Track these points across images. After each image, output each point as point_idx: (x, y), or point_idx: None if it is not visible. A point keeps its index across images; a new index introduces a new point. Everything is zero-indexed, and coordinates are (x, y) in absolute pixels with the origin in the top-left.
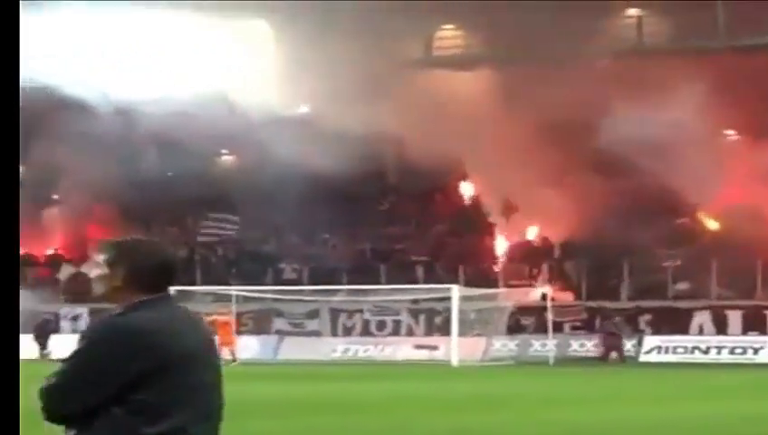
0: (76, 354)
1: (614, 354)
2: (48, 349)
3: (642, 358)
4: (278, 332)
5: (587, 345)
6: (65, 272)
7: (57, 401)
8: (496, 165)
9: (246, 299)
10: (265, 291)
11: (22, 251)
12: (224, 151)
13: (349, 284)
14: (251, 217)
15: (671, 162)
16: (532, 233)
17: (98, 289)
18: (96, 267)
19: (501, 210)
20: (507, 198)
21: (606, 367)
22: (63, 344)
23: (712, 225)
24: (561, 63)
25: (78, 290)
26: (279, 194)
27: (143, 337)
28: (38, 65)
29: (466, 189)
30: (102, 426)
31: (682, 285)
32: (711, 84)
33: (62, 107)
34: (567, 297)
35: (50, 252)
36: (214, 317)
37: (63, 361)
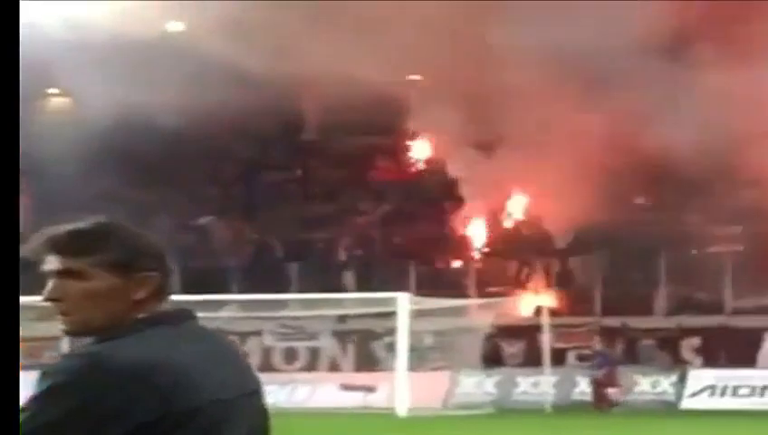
0: (35, 404)
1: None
2: None
3: (685, 403)
4: None
5: None
6: None
7: None
8: (466, 113)
9: None
10: None
11: None
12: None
13: (241, 292)
14: (84, 186)
15: (730, 107)
16: (519, 210)
17: (88, 312)
18: (65, 277)
19: (471, 174)
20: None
21: (637, 416)
22: None
23: None
24: None
25: None
26: (135, 154)
27: (146, 373)
28: None
29: (421, 148)
30: None
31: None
32: None
33: None
34: (574, 312)
35: None
36: None
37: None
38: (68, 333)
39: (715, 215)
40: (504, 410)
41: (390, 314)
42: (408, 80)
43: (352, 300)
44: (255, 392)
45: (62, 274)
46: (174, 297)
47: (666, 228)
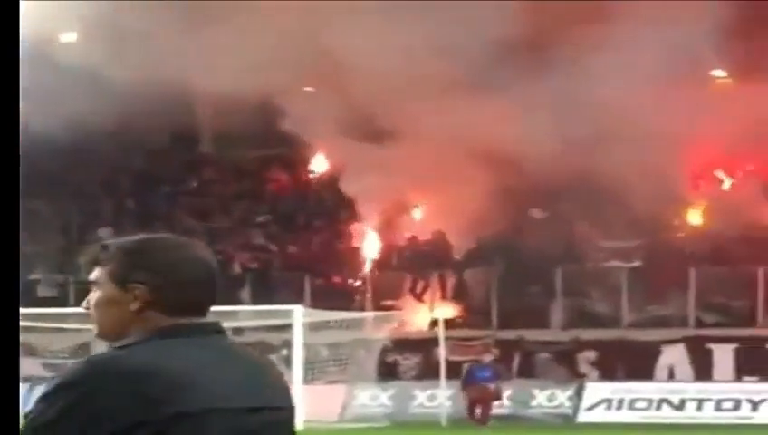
0: (39, 404)
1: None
2: None
3: (582, 417)
4: (27, 379)
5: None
6: None
7: None
8: (360, 124)
9: None
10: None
11: None
12: None
13: None
14: None
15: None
16: (415, 222)
17: (99, 320)
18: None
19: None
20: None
21: (533, 429)
22: None
23: (692, 217)
24: None
25: None
26: (25, 165)
27: (137, 379)
28: None
29: (317, 160)
30: None
31: (646, 307)
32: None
33: None
34: (469, 325)
35: None
36: None
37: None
38: (97, 337)
39: (611, 228)
40: (400, 423)
41: (286, 327)
42: (303, 91)
43: (247, 312)
44: (274, 409)
45: (91, 283)
46: (66, 310)
47: (562, 241)
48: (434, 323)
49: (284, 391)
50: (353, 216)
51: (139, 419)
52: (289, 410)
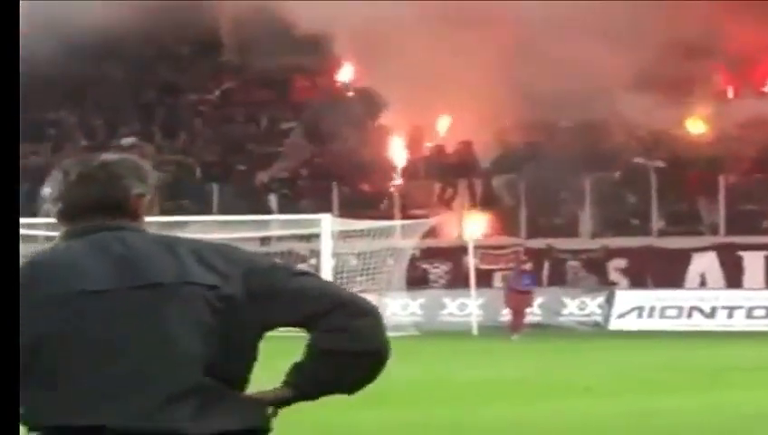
0: None
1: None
2: None
3: (613, 324)
4: None
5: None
6: None
7: None
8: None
9: None
10: (37, 226)
11: None
12: None
13: (162, 214)
14: None
15: None
16: (443, 130)
17: None
18: None
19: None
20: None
21: (564, 337)
22: None
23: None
24: None
25: None
26: (51, 75)
27: (27, 273)
28: None
29: (345, 71)
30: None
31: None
32: None
33: None
34: (499, 233)
35: None
36: None
37: None
38: None
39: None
40: (430, 332)
41: (314, 237)
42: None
43: (275, 222)
44: (157, 285)
45: None
46: None
47: (590, 149)
48: (462, 231)
49: (183, 268)
50: (380, 125)
51: (30, 302)
52: (181, 285)
